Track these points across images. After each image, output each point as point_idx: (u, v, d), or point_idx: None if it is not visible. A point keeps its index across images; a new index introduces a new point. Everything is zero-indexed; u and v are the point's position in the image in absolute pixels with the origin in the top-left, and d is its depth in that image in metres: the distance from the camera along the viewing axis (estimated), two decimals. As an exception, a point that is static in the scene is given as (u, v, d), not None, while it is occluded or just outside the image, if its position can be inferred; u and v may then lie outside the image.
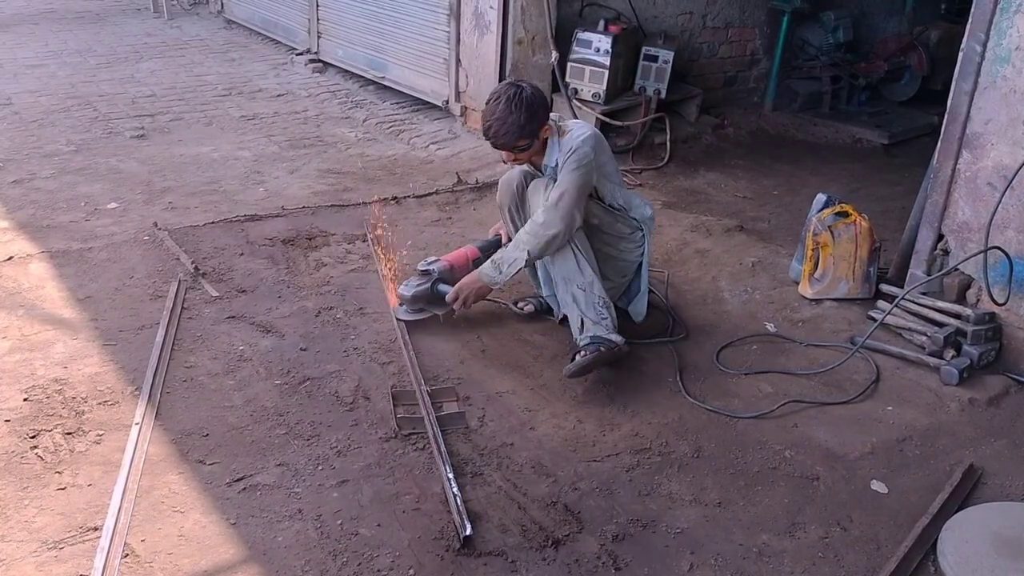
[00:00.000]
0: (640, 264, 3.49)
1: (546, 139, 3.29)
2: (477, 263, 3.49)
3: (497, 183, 4.92)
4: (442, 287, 3.43)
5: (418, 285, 3.43)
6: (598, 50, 5.37)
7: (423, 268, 3.48)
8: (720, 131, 6.12)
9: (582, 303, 3.23)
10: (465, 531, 2.41)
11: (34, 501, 2.48)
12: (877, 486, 2.75)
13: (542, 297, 3.60)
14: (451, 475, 2.62)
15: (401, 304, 3.47)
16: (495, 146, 3.28)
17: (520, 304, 3.62)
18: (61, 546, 2.33)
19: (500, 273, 3.30)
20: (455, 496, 2.53)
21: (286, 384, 3.07)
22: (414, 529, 2.45)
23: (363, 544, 2.39)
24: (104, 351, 3.20)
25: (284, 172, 5.07)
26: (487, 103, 3.25)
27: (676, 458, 2.82)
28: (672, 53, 5.53)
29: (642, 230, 3.46)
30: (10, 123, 5.63)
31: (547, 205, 3.18)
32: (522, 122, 3.16)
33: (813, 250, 3.81)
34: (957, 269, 3.53)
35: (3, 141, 5.30)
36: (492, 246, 3.62)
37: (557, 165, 3.26)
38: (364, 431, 2.85)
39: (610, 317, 3.25)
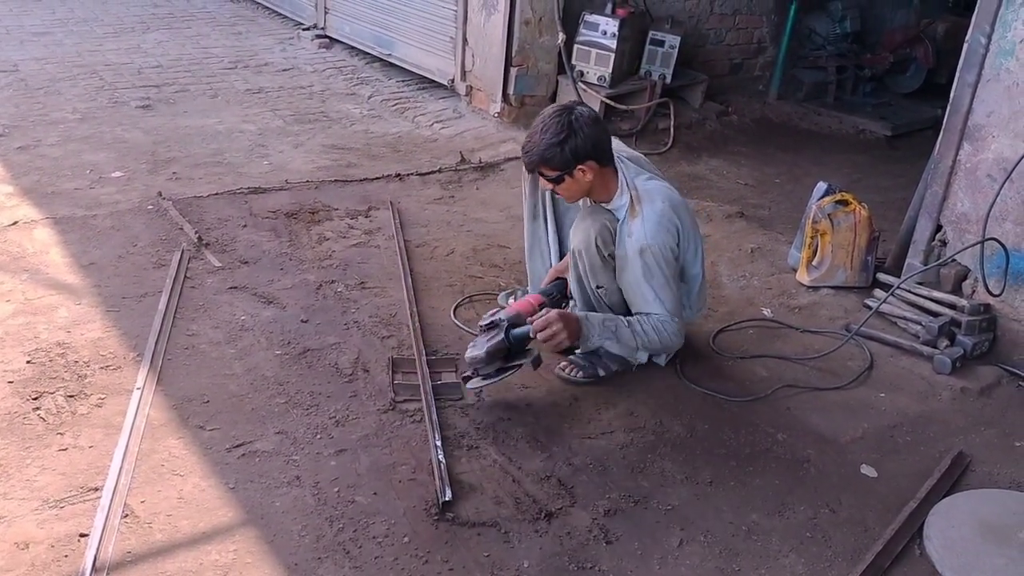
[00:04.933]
0: None
1: (591, 183, 2.85)
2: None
3: (500, 164, 4.99)
4: (517, 331, 2.88)
5: (489, 340, 2.83)
6: (605, 33, 5.38)
7: (486, 322, 2.90)
8: (724, 118, 6.13)
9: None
10: (445, 496, 2.45)
11: (36, 461, 2.51)
12: (867, 470, 2.78)
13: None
14: (439, 442, 2.67)
15: (474, 372, 2.87)
16: (526, 166, 2.87)
17: (506, 295, 3.56)
18: (62, 505, 2.37)
19: (601, 338, 2.91)
20: (440, 463, 2.58)
21: (286, 354, 3.11)
22: (409, 498, 2.49)
23: (359, 511, 2.44)
24: (107, 317, 3.23)
25: (288, 146, 5.09)
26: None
27: (670, 437, 2.85)
28: (679, 38, 5.55)
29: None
30: (16, 90, 5.64)
31: (671, 318, 2.90)
32: (543, 150, 2.74)
33: (812, 238, 3.83)
34: (954, 260, 3.56)
35: (9, 108, 5.31)
36: (558, 292, 3.18)
37: (623, 224, 2.89)
38: (363, 402, 2.89)
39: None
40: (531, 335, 2.85)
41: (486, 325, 2.89)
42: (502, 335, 2.84)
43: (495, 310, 3.01)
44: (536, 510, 2.49)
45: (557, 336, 2.82)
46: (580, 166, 2.78)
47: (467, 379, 2.90)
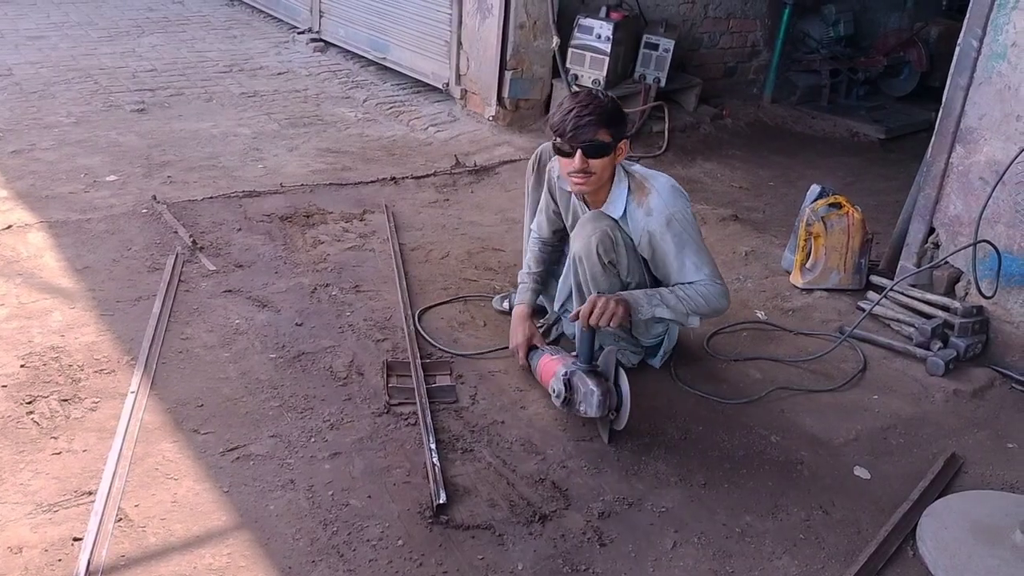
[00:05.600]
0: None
1: (614, 170, 2.86)
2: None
3: (494, 167, 5.00)
4: (580, 355, 2.81)
5: (585, 389, 2.72)
6: (599, 36, 5.39)
7: (560, 391, 2.77)
8: (718, 121, 6.15)
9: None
10: (439, 499, 2.46)
11: (29, 465, 2.51)
12: (860, 472, 2.79)
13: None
14: (433, 445, 2.67)
15: (610, 414, 2.76)
16: (572, 136, 2.72)
17: (500, 298, 3.54)
18: (55, 509, 2.36)
19: (651, 306, 2.83)
20: (434, 466, 2.58)
21: (281, 358, 3.10)
22: (404, 501, 2.49)
23: (353, 515, 2.44)
24: (101, 321, 3.22)
25: (283, 150, 5.09)
26: (560, 104, 2.83)
27: (663, 440, 2.86)
28: (673, 42, 5.56)
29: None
30: (11, 94, 5.63)
31: (707, 280, 2.85)
32: (610, 109, 2.74)
33: (805, 240, 3.85)
34: (947, 262, 3.57)
35: (3, 111, 5.31)
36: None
37: (624, 219, 2.88)
38: (357, 406, 2.89)
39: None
40: (584, 327, 2.73)
41: (564, 390, 2.75)
42: (579, 372, 2.74)
43: (556, 392, 2.80)
44: (530, 512, 2.49)
45: (608, 309, 2.71)
46: (624, 141, 2.82)
47: (612, 432, 2.80)
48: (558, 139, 2.79)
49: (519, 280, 3.30)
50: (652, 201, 2.83)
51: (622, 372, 2.77)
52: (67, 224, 3.93)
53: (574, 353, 2.93)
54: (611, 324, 2.74)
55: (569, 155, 2.77)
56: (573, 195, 3.03)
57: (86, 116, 5.36)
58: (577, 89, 2.91)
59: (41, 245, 3.73)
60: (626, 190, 2.88)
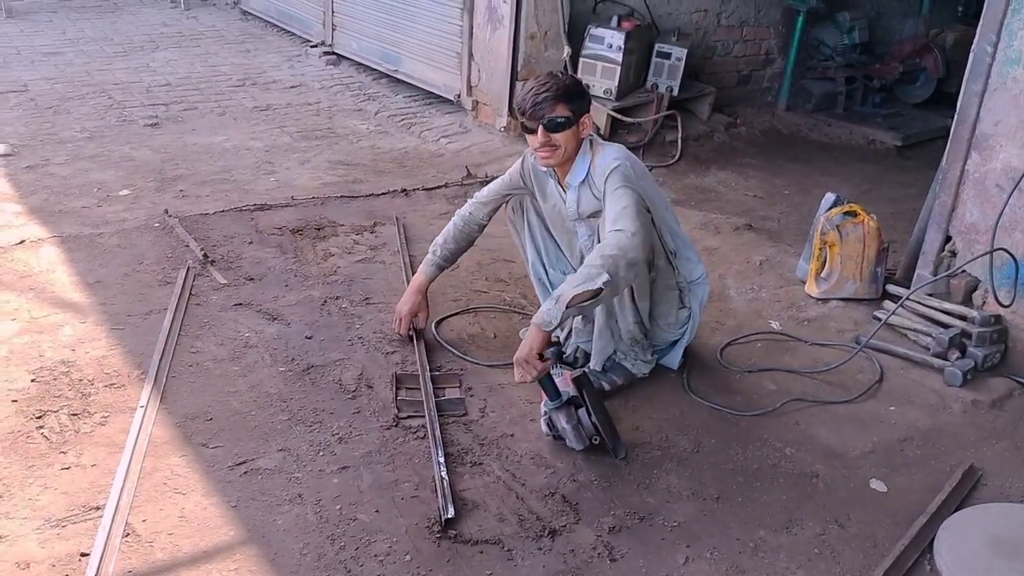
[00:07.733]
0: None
1: (579, 143, 2.95)
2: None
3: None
4: (547, 392, 2.73)
5: (568, 421, 2.72)
6: (611, 46, 5.38)
7: (550, 429, 2.80)
8: (732, 130, 6.12)
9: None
10: (447, 513, 2.44)
11: (38, 480, 2.51)
12: (876, 485, 2.75)
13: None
14: (442, 459, 2.66)
15: (602, 439, 2.73)
16: (532, 112, 2.83)
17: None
18: (64, 524, 2.36)
19: (558, 307, 2.62)
20: (443, 480, 2.56)
21: (290, 371, 3.10)
22: (412, 516, 2.47)
23: (361, 529, 2.42)
24: (112, 335, 3.23)
25: (295, 163, 5.10)
26: (525, 84, 2.97)
27: (676, 453, 2.82)
28: (685, 51, 5.54)
29: (680, 291, 3.11)
30: (25, 109, 5.68)
31: (613, 229, 2.73)
32: (568, 85, 2.87)
33: (820, 249, 3.80)
34: (963, 271, 3.53)
35: (18, 127, 5.35)
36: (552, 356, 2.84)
37: (586, 182, 2.95)
38: (366, 419, 2.87)
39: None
40: (518, 380, 2.69)
41: (548, 430, 2.80)
42: (553, 412, 2.73)
43: (545, 433, 2.84)
44: (540, 527, 2.46)
45: (524, 365, 2.63)
46: (586, 115, 2.92)
47: (617, 448, 2.77)
48: (522, 118, 2.92)
49: (430, 251, 3.36)
50: (598, 160, 2.94)
51: (592, 400, 2.73)
52: (79, 238, 3.94)
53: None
54: (539, 370, 2.64)
55: (533, 132, 2.90)
56: (551, 180, 3.10)
57: (100, 131, 5.40)
58: (544, 73, 3.00)
59: (53, 259, 3.74)
60: (589, 159, 2.97)
